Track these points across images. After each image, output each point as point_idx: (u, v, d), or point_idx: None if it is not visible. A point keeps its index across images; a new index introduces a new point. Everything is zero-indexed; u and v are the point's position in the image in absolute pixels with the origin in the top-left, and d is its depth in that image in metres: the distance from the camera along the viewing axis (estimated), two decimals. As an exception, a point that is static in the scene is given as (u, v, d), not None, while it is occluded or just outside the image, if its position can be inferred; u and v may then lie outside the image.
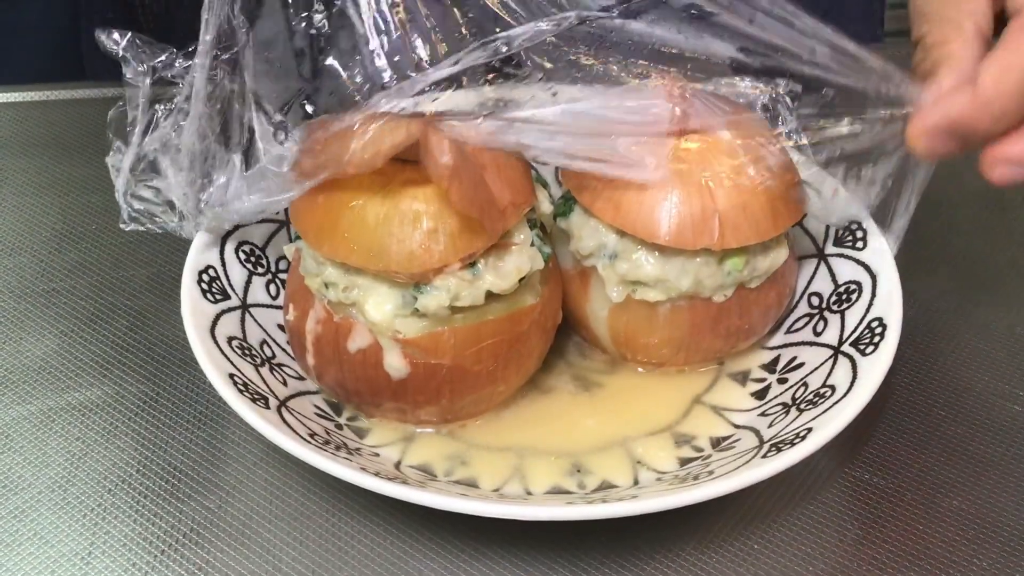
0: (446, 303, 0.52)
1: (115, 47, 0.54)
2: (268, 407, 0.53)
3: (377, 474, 0.49)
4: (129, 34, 0.55)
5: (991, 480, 0.56)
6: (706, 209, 0.55)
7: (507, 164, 0.54)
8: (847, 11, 0.95)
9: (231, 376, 0.53)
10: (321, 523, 0.54)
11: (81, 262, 0.70)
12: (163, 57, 0.55)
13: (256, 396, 0.53)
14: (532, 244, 0.54)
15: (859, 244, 0.63)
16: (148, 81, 0.55)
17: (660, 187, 0.55)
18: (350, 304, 0.53)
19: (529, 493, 0.54)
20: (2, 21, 0.88)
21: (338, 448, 0.52)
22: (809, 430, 0.51)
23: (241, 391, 0.52)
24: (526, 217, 0.55)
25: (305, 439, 0.51)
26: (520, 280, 0.54)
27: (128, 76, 0.55)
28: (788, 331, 0.63)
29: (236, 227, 0.63)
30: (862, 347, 0.56)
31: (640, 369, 0.62)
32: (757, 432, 0.55)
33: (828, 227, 0.65)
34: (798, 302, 0.64)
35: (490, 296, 0.53)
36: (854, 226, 0.64)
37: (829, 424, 0.51)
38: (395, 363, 0.53)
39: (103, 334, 0.64)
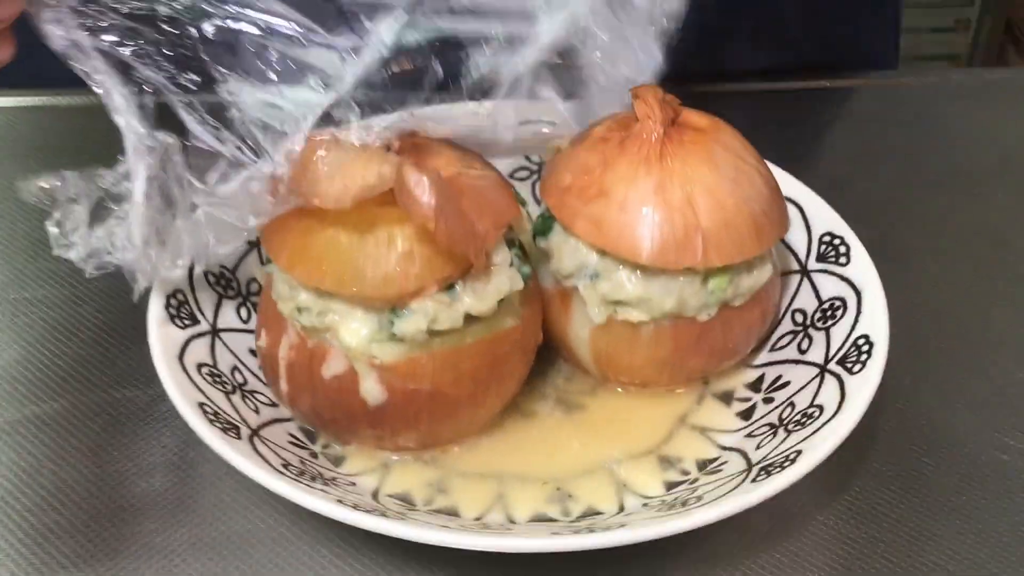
0: (424, 327, 0.50)
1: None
2: (240, 437, 0.51)
3: (355, 506, 0.47)
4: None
5: (972, 534, 0.54)
6: (689, 227, 0.53)
7: (485, 185, 0.53)
8: (862, 37, 0.95)
9: (201, 405, 0.51)
10: (295, 550, 0.52)
11: (54, 271, 0.68)
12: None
13: (227, 426, 0.51)
14: (511, 264, 0.53)
15: (842, 260, 0.62)
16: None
17: (642, 204, 0.53)
18: (324, 329, 0.52)
19: (512, 521, 0.53)
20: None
21: (314, 478, 0.51)
22: (799, 452, 0.50)
23: (211, 421, 0.50)
24: (504, 236, 0.54)
25: (278, 470, 0.49)
26: (499, 302, 0.52)
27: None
28: (772, 349, 0.61)
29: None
30: (849, 365, 0.55)
31: (622, 391, 0.60)
32: (744, 454, 0.54)
33: (810, 242, 0.64)
34: (782, 319, 0.62)
35: (469, 319, 0.52)
36: (837, 240, 0.63)
37: (820, 446, 0.50)
38: (372, 389, 0.52)
39: (68, 346, 0.63)
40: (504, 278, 0.52)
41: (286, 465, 0.50)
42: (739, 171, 0.55)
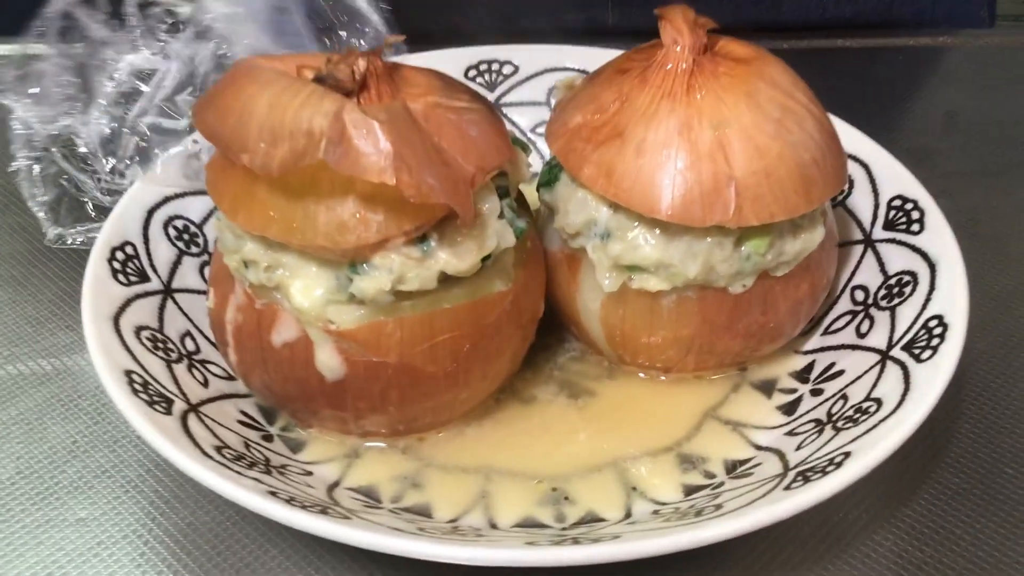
0: (388, 287, 0.41)
1: None
2: (169, 412, 0.43)
3: (291, 500, 0.39)
4: None
5: None
6: (719, 176, 0.44)
7: (470, 120, 0.44)
8: None
9: (128, 373, 0.43)
10: (238, 548, 0.44)
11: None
12: None
13: (157, 399, 0.43)
14: (501, 216, 0.44)
15: (915, 227, 0.51)
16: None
17: (663, 148, 0.44)
18: (273, 287, 0.43)
19: (493, 526, 0.44)
20: None
21: (253, 465, 0.42)
22: (847, 455, 0.40)
23: (136, 391, 0.42)
24: (496, 185, 0.45)
25: (206, 452, 0.41)
26: (484, 260, 0.43)
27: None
28: (826, 332, 0.51)
29: (165, 199, 0.53)
30: (917, 351, 0.45)
31: (643, 375, 0.51)
32: (782, 455, 0.44)
33: (877, 207, 0.53)
34: (839, 297, 0.52)
35: (447, 280, 0.43)
36: (909, 205, 0.52)
37: (873, 448, 0.40)
38: (328, 361, 0.43)
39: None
40: (491, 232, 0.43)
41: (221, 448, 0.42)
42: (786, 111, 0.45)
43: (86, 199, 0.57)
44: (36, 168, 0.56)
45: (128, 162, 0.53)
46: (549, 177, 0.49)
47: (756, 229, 0.45)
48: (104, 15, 0.51)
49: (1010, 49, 0.83)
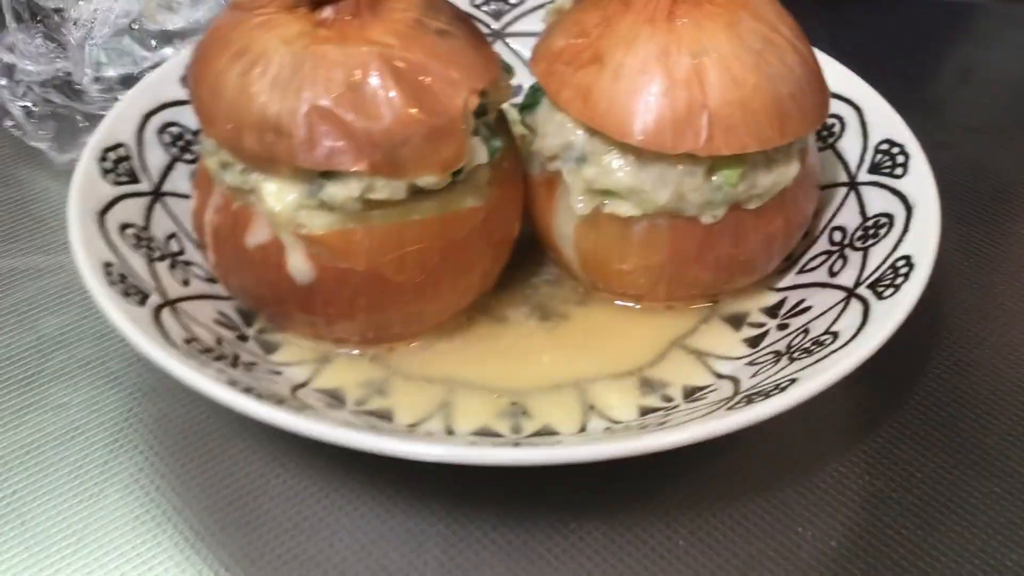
0: (357, 194, 0.42)
1: None
2: (143, 304, 0.44)
3: (248, 390, 0.40)
4: None
5: (1009, 496, 0.45)
6: (693, 104, 0.44)
7: (453, 39, 0.44)
8: None
9: (106, 265, 0.45)
10: (201, 435, 0.46)
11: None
12: None
13: (131, 290, 0.44)
14: (476, 134, 0.44)
15: (898, 171, 0.51)
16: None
17: (639, 73, 0.44)
18: (249, 190, 0.44)
19: (451, 433, 0.45)
20: None
21: (219, 358, 0.44)
22: (793, 381, 0.41)
23: (112, 282, 0.44)
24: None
25: (172, 341, 0.42)
26: (456, 175, 0.44)
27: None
28: (801, 271, 0.52)
29: (163, 106, 0.54)
30: (880, 289, 0.45)
31: (618, 303, 0.52)
32: (737, 382, 0.45)
33: (865, 150, 0.53)
34: (818, 237, 0.52)
35: (418, 192, 0.44)
36: (895, 149, 0.52)
37: (818, 376, 0.40)
38: (299, 265, 0.44)
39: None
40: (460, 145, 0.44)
41: (190, 340, 0.44)
42: (768, 43, 0.45)
43: (87, 123, 0.59)
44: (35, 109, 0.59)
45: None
46: (531, 100, 0.50)
47: (728, 159, 0.45)
48: None
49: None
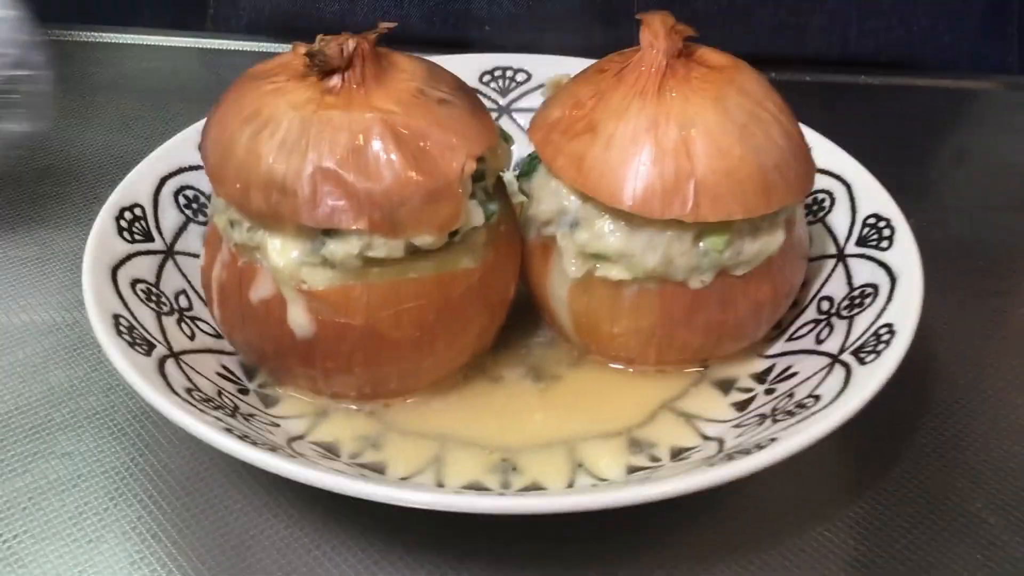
0: (356, 252, 0.44)
1: None
2: (149, 354, 0.46)
3: (244, 437, 0.42)
4: None
5: (993, 564, 0.45)
6: (680, 173, 0.46)
7: (454, 107, 0.47)
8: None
9: (116, 316, 0.47)
10: (200, 485, 0.47)
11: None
12: None
13: (138, 341, 0.46)
14: (473, 197, 0.47)
15: (884, 243, 0.53)
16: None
17: (630, 143, 0.46)
18: (255, 247, 0.46)
19: (441, 486, 0.46)
20: None
21: (218, 408, 0.45)
22: (772, 440, 0.42)
23: (120, 332, 0.46)
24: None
25: (173, 389, 0.44)
26: (452, 236, 0.46)
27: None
28: (790, 338, 0.53)
29: (178, 170, 0.57)
30: (863, 355, 0.47)
31: (612, 366, 0.53)
32: (722, 443, 0.46)
33: (853, 224, 0.55)
34: (807, 306, 0.54)
35: (415, 252, 0.46)
36: (882, 223, 0.54)
37: (796, 436, 0.41)
38: (299, 319, 0.46)
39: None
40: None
41: (191, 390, 0.45)
42: (753, 118, 0.47)
43: None
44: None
45: None
46: (529, 168, 0.52)
47: (715, 226, 0.47)
48: None
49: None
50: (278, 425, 0.48)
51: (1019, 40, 0.92)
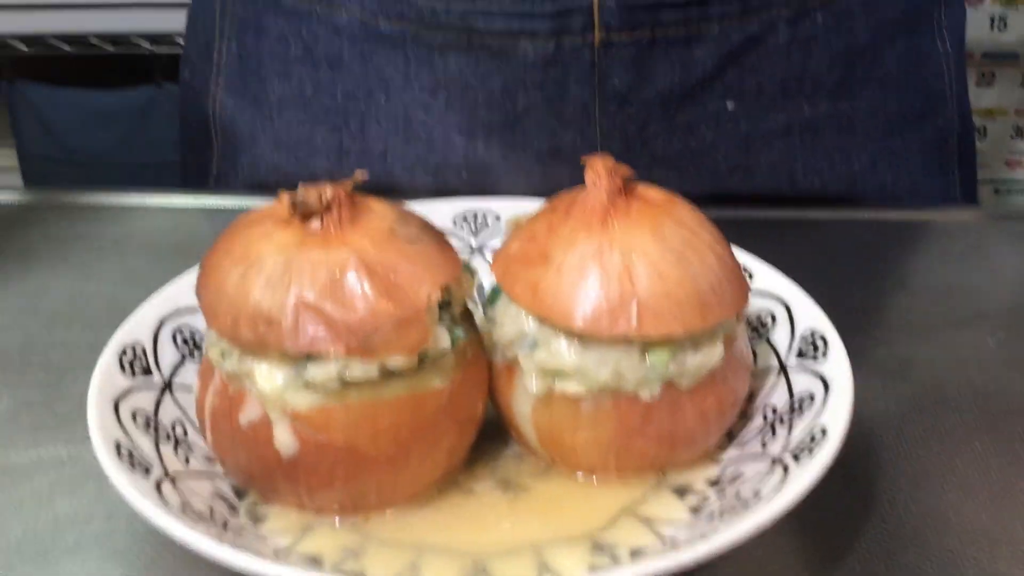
0: (335, 375, 0.49)
1: None
2: (147, 476, 0.50)
3: (233, 546, 0.46)
4: None
5: None
6: (625, 295, 0.51)
7: (422, 244, 0.52)
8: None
9: (117, 443, 0.51)
10: None
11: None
12: None
13: (138, 464, 0.51)
14: (439, 321, 0.52)
15: (819, 356, 0.58)
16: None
17: (578, 269, 0.52)
18: (244, 374, 0.51)
19: (417, 591, 0.50)
20: None
21: (209, 523, 0.49)
22: (714, 531, 0.46)
23: (120, 456, 0.50)
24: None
25: (170, 507, 0.48)
26: (422, 359, 0.51)
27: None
28: (739, 444, 0.58)
29: (176, 312, 0.62)
30: (799, 455, 0.51)
31: (580, 476, 0.57)
32: (675, 542, 0.50)
33: (792, 339, 0.60)
34: (754, 415, 0.59)
35: (388, 374, 0.51)
36: (818, 338, 0.59)
37: (731, 529, 0.45)
38: (284, 439, 0.51)
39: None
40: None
41: (185, 507, 0.49)
42: (687, 245, 0.53)
43: None
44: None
45: None
46: (492, 297, 0.57)
47: (658, 342, 0.52)
48: None
49: (973, 224, 0.91)
50: (265, 539, 0.52)
51: (961, 177, 1.00)
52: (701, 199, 0.57)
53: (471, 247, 0.73)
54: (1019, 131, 2.07)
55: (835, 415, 0.52)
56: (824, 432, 0.51)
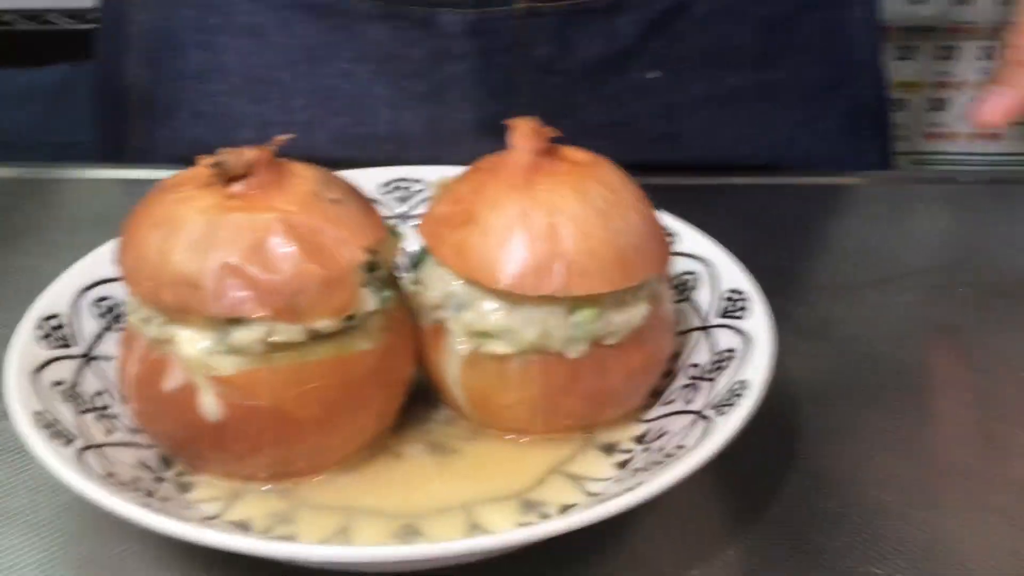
0: (260, 338, 0.49)
1: None
2: (68, 445, 0.49)
3: (160, 511, 0.45)
4: None
5: None
6: (550, 254, 0.52)
7: (346, 207, 0.52)
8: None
9: (37, 413, 0.50)
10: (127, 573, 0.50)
11: None
12: None
13: (59, 434, 0.50)
14: (365, 285, 0.52)
15: (740, 314, 0.59)
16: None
17: (504, 230, 0.52)
18: (166, 340, 0.51)
19: (347, 553, 0.50)
20: None
21: (135, 491, 0.49)
22: (639, 483, 0.47)
23: (40, 427, 0.49)
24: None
25: (94, 476, 0.47)
26: (349, 320, 0.51)
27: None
28: (664, 403, 0.58)
29: (96, 283, 0.61)
30: (721, 408, 0.52)
31: (507, 438, 0.58)
32: (601, 498, 0.51)
33: (713, 299, 0.61)
34: (678, 374, 0.60)
35: (316, 336, 0.50)
36: (739, 296, 0.60)
37: (655, 481, 0.46)
38: (210, 404, 0.50)
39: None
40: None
41: (109, 474, 0.49)
42: (611, 204, 0.54)
43: None
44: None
45: None
46: (419, 259, 0.57)
47: (584, 300, 0.53)
48: None
49: (897, 186, 0.94)
50: (193, 507, 0.52)
51: (878, 144, 1.02)
52: (627, 167, 0.58)
53: (398, 215, 0.73)
54: (937, 103, 2.12)
55: (755, 368, 0.53)
56: (744, 384, 0.52)
